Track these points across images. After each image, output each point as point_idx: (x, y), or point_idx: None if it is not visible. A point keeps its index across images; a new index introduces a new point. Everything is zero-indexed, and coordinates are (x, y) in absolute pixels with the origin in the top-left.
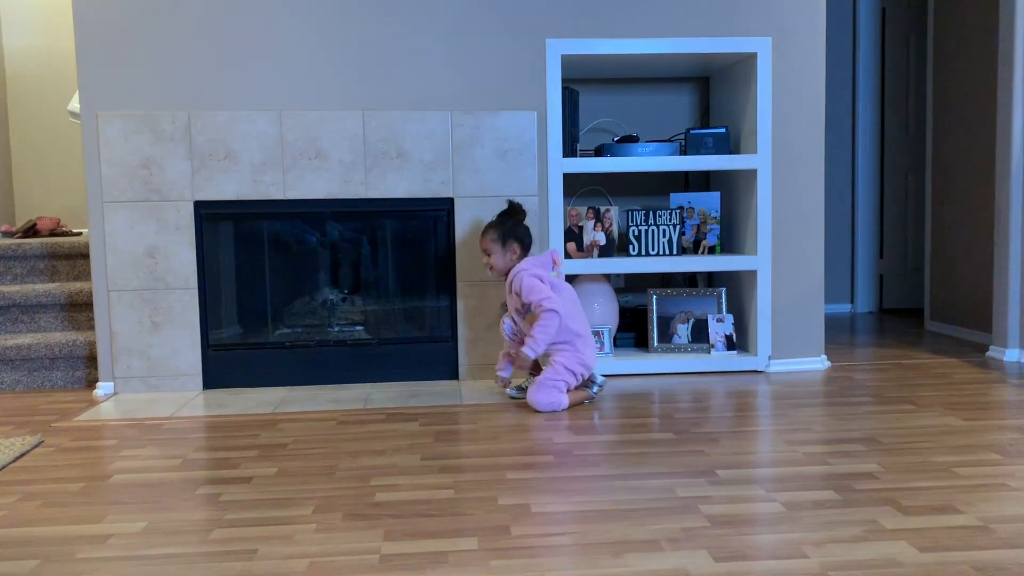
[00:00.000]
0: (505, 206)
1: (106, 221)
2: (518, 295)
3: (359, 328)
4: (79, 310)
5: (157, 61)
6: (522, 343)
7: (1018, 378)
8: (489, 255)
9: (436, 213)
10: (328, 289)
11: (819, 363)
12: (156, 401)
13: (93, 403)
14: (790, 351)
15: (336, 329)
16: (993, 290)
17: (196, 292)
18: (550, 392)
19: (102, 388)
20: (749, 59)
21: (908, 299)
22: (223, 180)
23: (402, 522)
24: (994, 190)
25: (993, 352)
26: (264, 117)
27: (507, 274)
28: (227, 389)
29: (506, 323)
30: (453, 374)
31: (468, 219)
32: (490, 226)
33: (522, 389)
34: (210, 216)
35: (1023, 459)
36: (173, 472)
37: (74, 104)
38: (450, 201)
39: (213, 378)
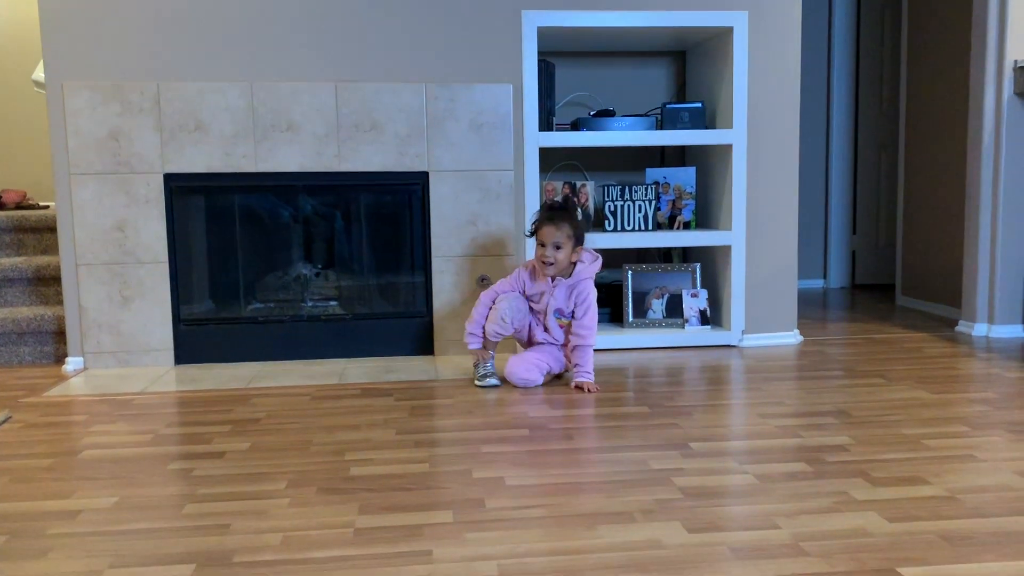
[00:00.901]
0: (481, 181)
1: (73, 194)
2: (575, 301)
3: (333, 303)
4: (47, 284)
5: (124, 30)
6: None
7: (986, 352)
8: (559, 248)
9: (411, 187)
10: (301, 264)
11: (792, 338)
12: (127, 376)
13: (62, 378)
14: (763, 326)
15: (310, 304)
16: (963, 266)
17: (167, 266)
18: (531, 370)
19: (71, 363)
20: (725, 34)
21: (880, 275)
22: (193, 152)
23: (377, 496)
24: (965, 168)
25: (962, 327)
26: (235, 88)
27: (560, 272)
28: (199, 364)
29: (508, 312)
30: (428, 349)
31: (443, 193)
32: (565, 219)
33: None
34: (180, 189)
35: (990, 431)
36: (144, 447)
37: (39, 74)
38: (425, 175)
39: (185, 353)
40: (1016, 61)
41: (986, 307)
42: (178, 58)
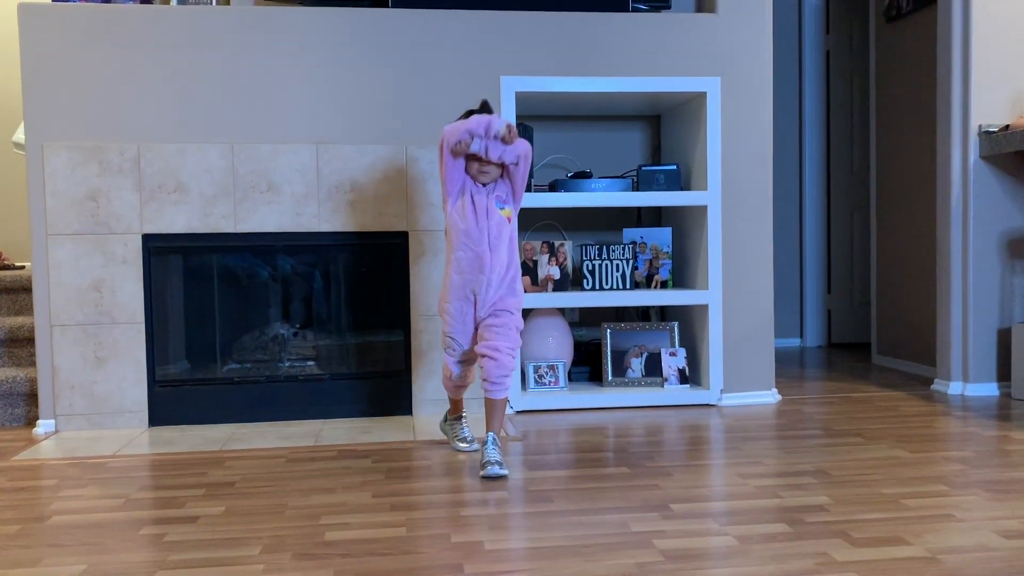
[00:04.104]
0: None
1: (50, 254)
2: (510, 179)
3: (311, 363)
4: (20, 345)
5: (105, 92)
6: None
7: (961, 410)
8: (491, 164)
9: (390, 246)
10: (279, 323)
11: (770, 396)
12: (99, 439)
13: (32, 441)
14: (742, 385)
15: (287, 364)
16: (936, 325)
17: (143, 326)
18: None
19: (43, 426)
20: (699, 98)
21: (856, 333)
22: (173, 213)
23: (353, 561)
24: (935, 229)
25: (937, 385)
26: (215, 149)
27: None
28: (174, 426)
29: (456, 369)
30: (407, 409)
31: (422, 252)
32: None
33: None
34: (159, 249)
35: (969, 490)
36: (115, 512)
37: (19, 135)
38: (405, 235)
39: (159, 415)
40: (981, 126)
41: (960, 366)
42: (159, 119)
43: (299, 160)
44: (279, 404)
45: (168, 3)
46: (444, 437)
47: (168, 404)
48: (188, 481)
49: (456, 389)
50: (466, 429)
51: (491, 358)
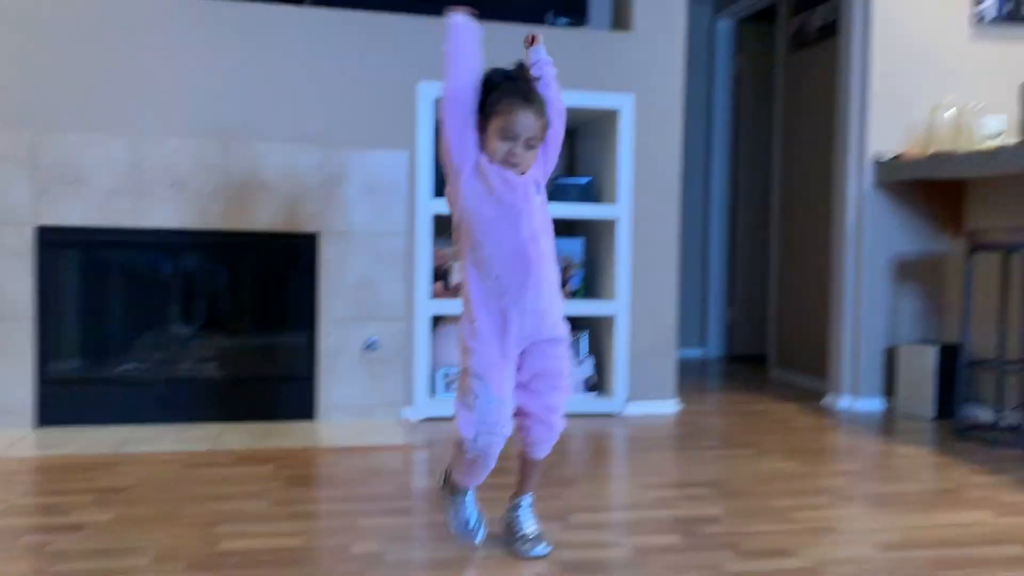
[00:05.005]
0: (371, 245)
1: None
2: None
3: (211, 364)
4: None
5: None
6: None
7: (850, 424)
8: (531, 147)
9: (300, 247)
10: (180, 323)
11: (672, 407)
12: None
13: None
14: (646, 394)
15: (187, 365)
16: (829, 342)
17: (32, 322)
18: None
19: None
20: (613, 114)
21: (755, 345)
22: (70, 206)
23: (247, 572)
24: (831, 249)
25: (829, 399)
26: (118, 142)
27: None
28: (64, 427)
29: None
30: (311, 414)
31: (333, 254)
32: (542, 102)
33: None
34: (53, 243)
35: (852, 503)
36: None
37: None
38: (315, 236)
39: (49, 415)
40: (876, 154)
41: (851, 381)
42: (58, 109)
43: (207, 156)
44: (177, 406)
45: None
46: (348, 444)
47: (58, 404)
48: (76, 486)
49: (473, 468)
50: (474, 513)
51: (543, 421)
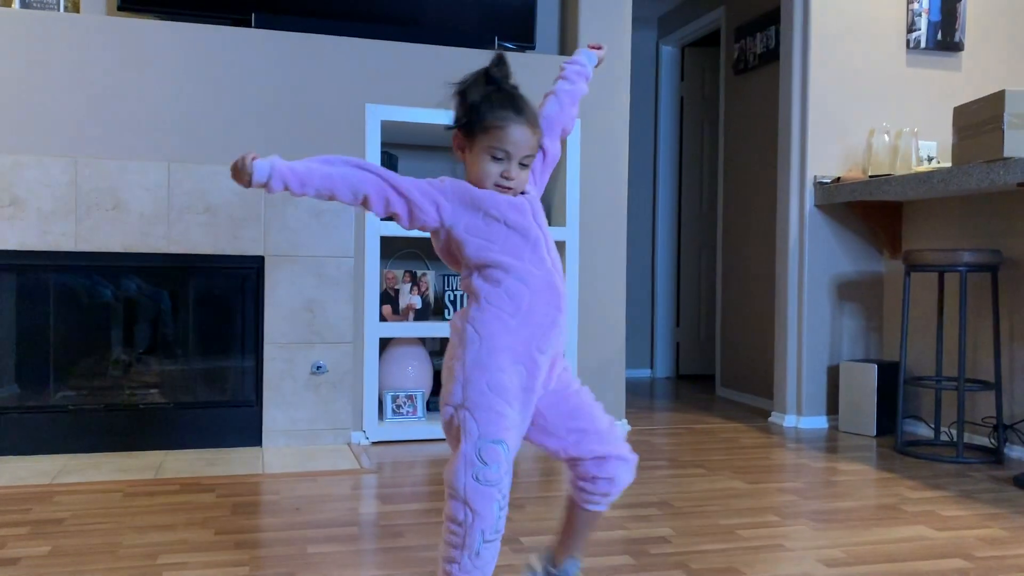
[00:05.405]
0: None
1: None
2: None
3: (154, 390)
4: None
5: None
6: None
7: (795, 442)
8: (524, 166)
9: (245, 271)
10: (121, 348)
11: (621, 427)
12: None
13: None
14: None
15: (128, 391)
16: (774, 361)
17: None
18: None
19: None
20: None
21: (702, 366)
22: (5, 229)
23: None
24: (774, 270)
25: (774, 418)
26: (57, 163)
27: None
28: None
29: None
30: (256, 440)
31: (279, 278)
32: (535, 115)
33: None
34: None
35: (797, 520)
36: None
37: None
38: (260, 259)
39: None
40: (816, 177)
41: (795, 400)
42: None
43: (149, 178)
44: (118, 434)
45: (10, 5)
46: (294, 470)
47: None
48: (10, 519)
49: (479, 561)
50: None
51: (625, 460)
